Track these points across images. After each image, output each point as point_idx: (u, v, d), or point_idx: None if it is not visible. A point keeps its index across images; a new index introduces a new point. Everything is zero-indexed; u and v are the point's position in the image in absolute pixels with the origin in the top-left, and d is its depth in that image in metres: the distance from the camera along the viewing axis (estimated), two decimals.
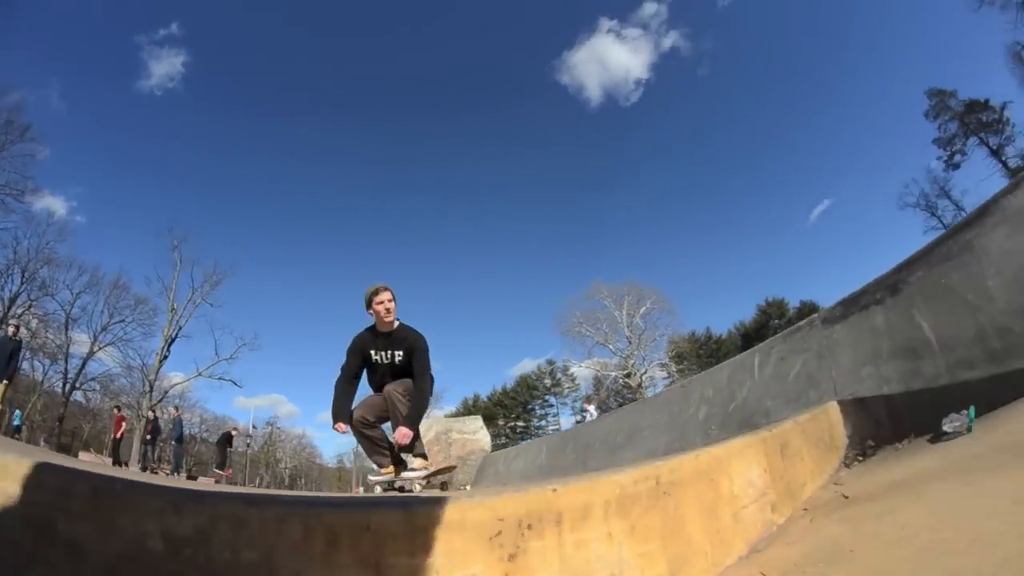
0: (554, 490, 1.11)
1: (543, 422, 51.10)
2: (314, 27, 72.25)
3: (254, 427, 40.06)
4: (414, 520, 0.96)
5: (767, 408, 2.60)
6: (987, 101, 28.45)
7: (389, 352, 3.66)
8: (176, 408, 19.60)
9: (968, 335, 2.10)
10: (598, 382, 39.77)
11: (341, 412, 3.65)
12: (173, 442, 16.00)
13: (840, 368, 2.39)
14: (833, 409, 2.16)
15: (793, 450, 1.87)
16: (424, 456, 3.62)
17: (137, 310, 32.94)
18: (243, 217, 71.83)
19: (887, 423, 2.17)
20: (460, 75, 73.79)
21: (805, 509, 1.74)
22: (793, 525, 1.61)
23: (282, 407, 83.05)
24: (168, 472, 15.68)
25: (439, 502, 1.01)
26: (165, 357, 31.19)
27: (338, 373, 3.77)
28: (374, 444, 3.67)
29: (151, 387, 29.87)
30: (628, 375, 34.37)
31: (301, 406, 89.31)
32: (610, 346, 35.65)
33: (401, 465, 3.65)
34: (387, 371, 3.67)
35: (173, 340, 31.94)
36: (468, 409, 40.16)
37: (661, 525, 1.18)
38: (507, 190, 71.14)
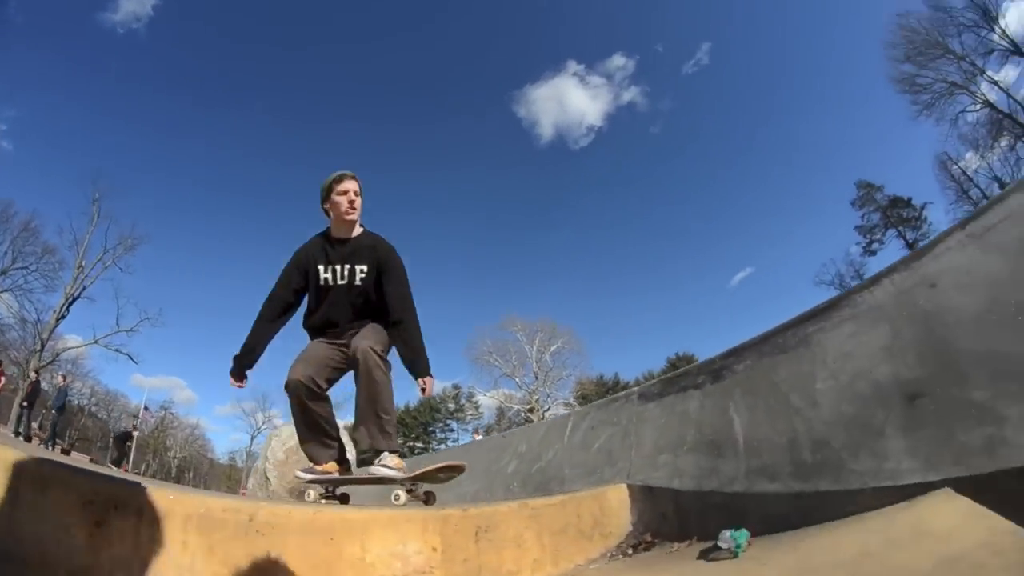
0: (142, 488, 1.29)
1: (442, 446, 48.58)
2: (294, 14, 70.04)
3: (146, 408, 35.97)
4: (32, 471, 1.24)
5: (564, 476, 2.22)
6: (910, 199, 32.29)
7: (347, 267, 2.51)
8: (64, 376, 17.48)
9: (780, 441, 1.77)
10: (501, 413, 39.01)
11: (247, 357, 2.50)
12: (54, 411, 14.37)
13: (641, 449, 1.97)
14: (614, 493, 1.81)
15: (504, 534, 1.58)
16: (401, 454, 2.42)
17: (43, 259, 28.83)
18: (175, 187, 65.95)
19: (673, 519, 1.82)
20: (416, 85, 72.22)
21: None
22: None
23: (180, 392, 73.81)
24: (43, 441, 13.84)
25: (54, 466, 1.30)
26: (63, 316, 27.83)
27: (262, 304, 2.56)
28: (316, 425, 2.49)
29: (43, 346, 26.66)
30: (531, 410, 33.80)
31: (200, 394, 76.67)
32: (517, 379, 35.48)
33: (344, 464, 2.58)
34: (342, 297, 2.52)
35: (75, 299, 28.39)
36: None
37: (247, 557, 1.25)
38: (437, 206, 70.10)
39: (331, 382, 2.52)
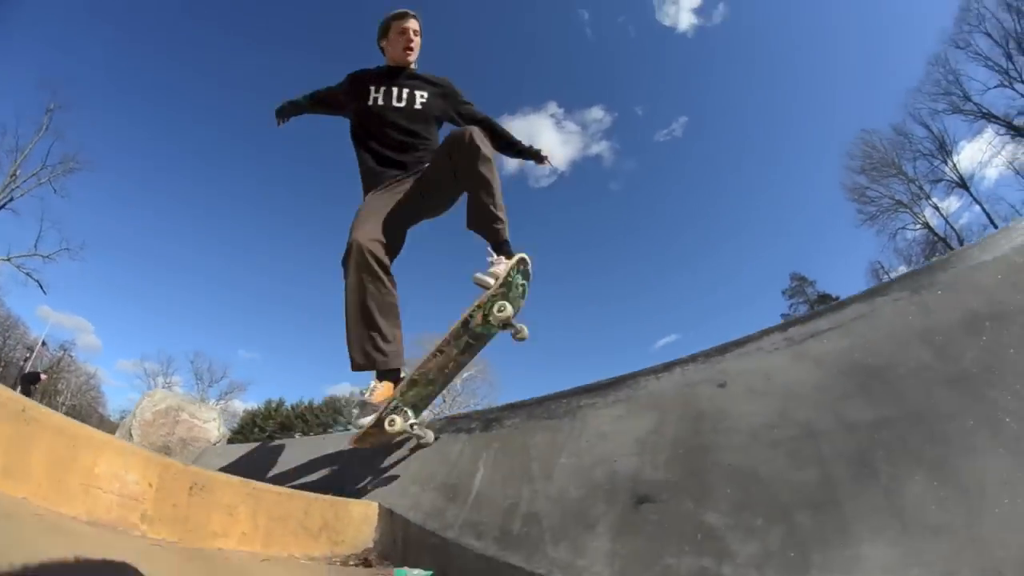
0: None
1: None
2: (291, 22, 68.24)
3: (44, 343, 32.71)
4: None
5: (344, 486, 2.12)
6: (837, 297, 37.02)
7: (406, 90, 2.30)
8: None
9: (502, 503, 1.64)
10: None
11: (294, 105, 2.51)
12: None
13: (404, 476, 1.95)
14: (359, 507, 1.78)
15: (218, 499, 1.66)
16: (510, 253, 1.92)
17: None
18: (138, 125, 60.69)
19: (400, 547, 1.75)
20: None
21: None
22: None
23: (85, 336, 65.16)
24: None
25: None
26: None
27: None
28: (377, 316, 1.96)
29: None
30: None
31: (106, 342, 65.48)
32: None
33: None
34: (400, 122, 2.24)
35: None
36: (270, 412, 32.58)
37: (13, 436, 1.43)
38: None
39: (399, 249, 2.11)
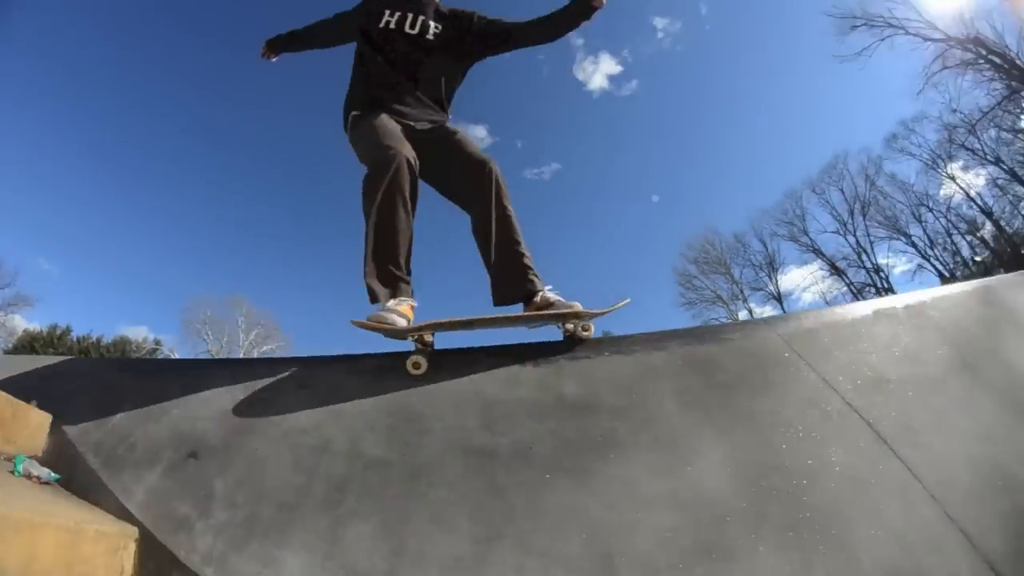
0: None
1: None
2: None
3: None
4: None
5: (71, 398, 2.59)
6: None
7: (420, 18, 2.16)
8: None
9: (124, 433, 1.93)
10: None
11: (290, 38, 2.41)
12: None
13: (96, 398, 2.20)
14: (38, 415, 1.84)
15: None
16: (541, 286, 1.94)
17: None
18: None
19: (56, 457, 1.93)
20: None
21: None
22: None
23: None
24: None
25: None
26: None
27: None
28: (404, 238, 1.87)
29: None
30: None
31: None
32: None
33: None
34: (407, 51, 2.13)
35: None
36: (52, 338, 29.10)
37: None
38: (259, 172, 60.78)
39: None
